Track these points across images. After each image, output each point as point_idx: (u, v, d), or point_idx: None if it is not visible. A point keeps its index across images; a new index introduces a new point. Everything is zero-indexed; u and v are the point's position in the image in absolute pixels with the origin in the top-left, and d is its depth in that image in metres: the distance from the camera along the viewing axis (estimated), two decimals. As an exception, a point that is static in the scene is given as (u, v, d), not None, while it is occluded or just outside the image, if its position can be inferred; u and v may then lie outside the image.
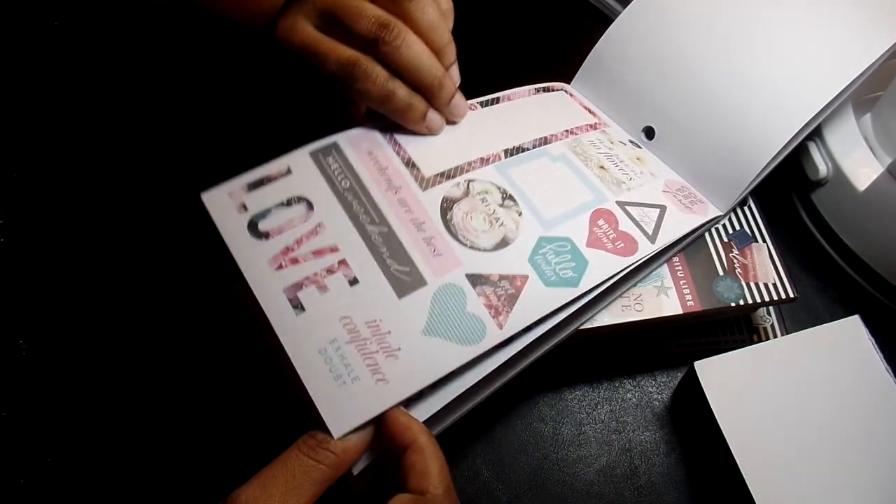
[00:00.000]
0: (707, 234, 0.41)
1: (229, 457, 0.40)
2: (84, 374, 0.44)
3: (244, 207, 0.35)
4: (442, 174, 0.37)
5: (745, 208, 0.42)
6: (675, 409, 0.43)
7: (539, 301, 0.34)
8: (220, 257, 0.37)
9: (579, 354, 0.44)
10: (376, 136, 0.38)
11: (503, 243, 0.35)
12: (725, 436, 0.37)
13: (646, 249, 0.36)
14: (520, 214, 0.36)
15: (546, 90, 0.45)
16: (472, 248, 0.35)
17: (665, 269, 0.40)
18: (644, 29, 0.43)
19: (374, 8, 0.35)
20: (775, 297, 0.39)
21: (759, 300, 0.39)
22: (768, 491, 0.35)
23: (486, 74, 0.42)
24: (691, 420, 0.42)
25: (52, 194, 0.51)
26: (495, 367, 0.34)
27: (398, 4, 0.35)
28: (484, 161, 0.38)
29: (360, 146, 0.38)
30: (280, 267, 0.33)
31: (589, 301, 0.35)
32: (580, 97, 0.45)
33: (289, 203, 0.35)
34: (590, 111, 0.44)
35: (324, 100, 0.43)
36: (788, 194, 0.50)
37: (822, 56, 0.39)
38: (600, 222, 0.37)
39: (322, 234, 0.34)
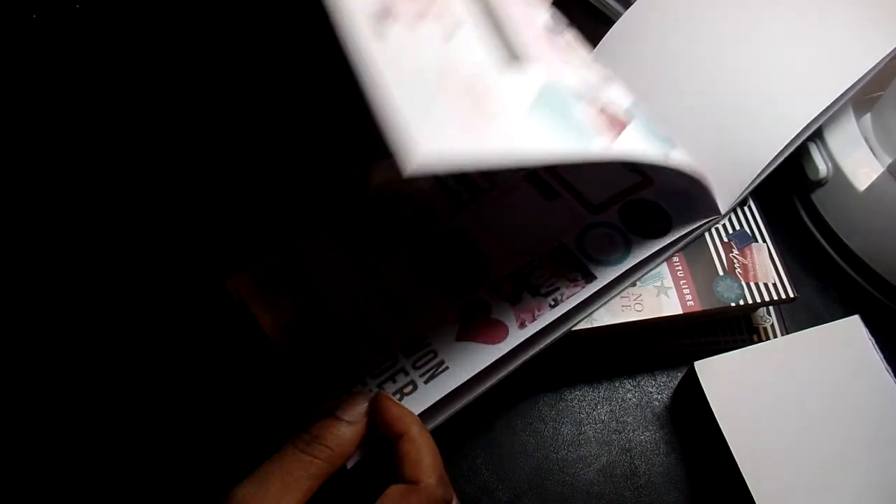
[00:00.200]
0: (707, 234, 0.41)
1: (227, 454, 0.40)
2: (82, 373, 0.44)
3: None
4: None
5: (745, 208, 0.42)
6: (675, 409, 0.43)
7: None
8: (217, 252, 0.37)
9: (579, 354, 0.44)
10: None
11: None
12: (725, 436, 0.37)
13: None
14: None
15: None
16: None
17: (665, 269, 0.40)
18: (643, 32, 0.43)
19: None
20: (775, 297, 0.39)
21: (759, 300, 0.39)
22: (768, 491, 0.35)
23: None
24: (691, 420, 0.42)
25: (51, 193, 0.51)
26: (491, 362, 0.34)
27: None
28: None
29: None
30: None
31: (599, 290, 0.36)
32: None
33: None
34: None
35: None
36: (788, 194, 0.50)
37: (824, 58, 0.39)
38: None
39: None
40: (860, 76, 0.38)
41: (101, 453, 0.42)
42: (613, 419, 0.43)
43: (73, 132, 0.54)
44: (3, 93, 0.53)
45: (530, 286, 0.36)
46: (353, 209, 0.41)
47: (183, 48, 0.57)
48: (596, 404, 0.44)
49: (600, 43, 0.44)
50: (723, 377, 0.38)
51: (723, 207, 0.40)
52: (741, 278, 0.39)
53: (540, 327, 0.35)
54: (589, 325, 0.38)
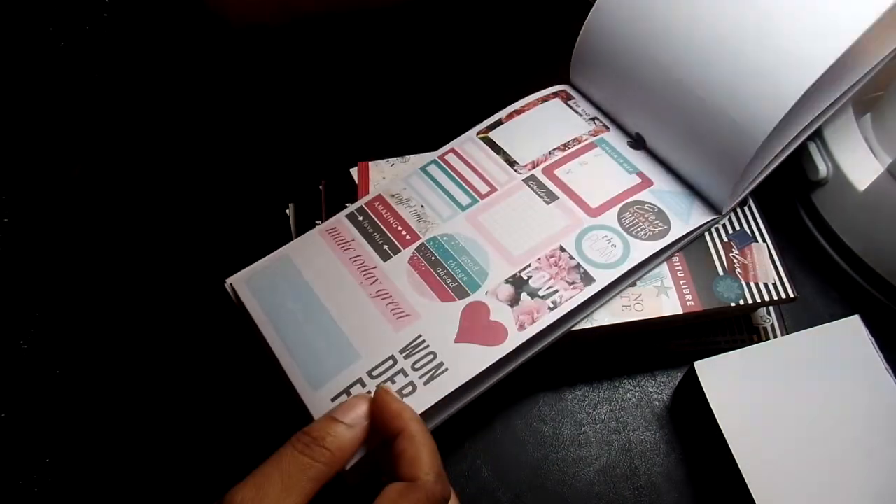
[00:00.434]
0: (707, 234, 0.41)
1: (226, 453, 0.40)
2: (82, 373, 0.44)
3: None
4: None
5: (745, 208, 0.42)
6: (675, 409, 0.43)
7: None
8: (215, 252, 0.37)
9: (579, 354, 0.44)
10: None
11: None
12: (725, 436, 0.37)
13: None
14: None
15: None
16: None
17: (665, 268, 0.40)
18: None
19: None
20: (775, 297, 0.39)
21: (759, 300, 0.39)
22: (768, 491, 0.35)
23: (489, 74, 0.42)
24: (691, 420, 0.42)
25: (51, 193, 0.51)
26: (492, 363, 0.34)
27: None
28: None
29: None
30: None
31: (598, 292, 0.36)
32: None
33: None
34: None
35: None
36: (788, 194, 0.50)
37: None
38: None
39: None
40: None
41: (104, 454, 0.42)
42: (613, 419, 0.43)
43: (72, 130, 0.54)
44: (3, 92, 0.53)
45: (529, 289, 0.36)
46: (350, 210, 0.41)
47: (183, 48, 0.57)
48: (596, 404, 0.44)
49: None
50: (723, 377, 0.38)
51: (722, 207, 0.40)
52: (741, 278, 0.39)
53: (539, 329, 0.35)
54: (589, 325, 0.38)
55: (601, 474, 0.41)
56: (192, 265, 0.48)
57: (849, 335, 0.39)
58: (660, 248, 0.38)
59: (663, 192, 0.40)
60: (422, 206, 0.41)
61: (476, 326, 0.35)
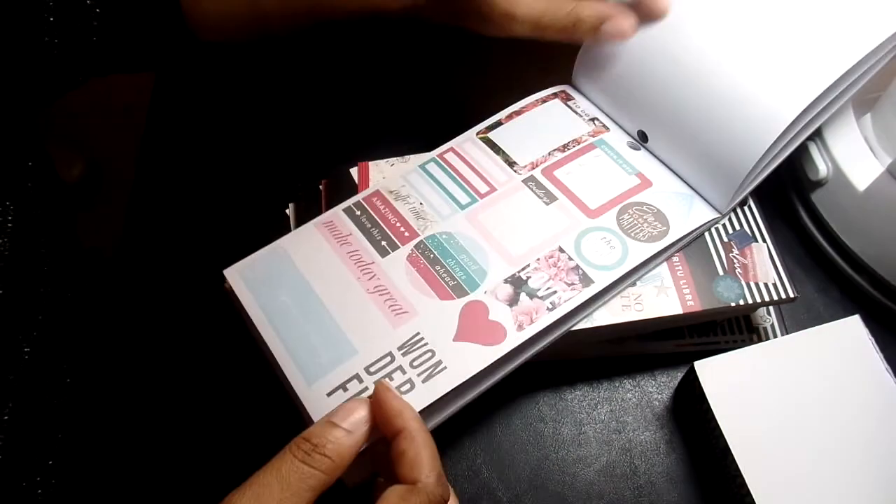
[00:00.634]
0: (707, 234, 0.41)
1: (226, 454, 0.40)
2: (86, 376, 0.44)
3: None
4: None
5: (745, 208, 0.42)
6: (675, 409, 0.43)
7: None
8: (215, 252, 0.37)
9: (579, 354, 0.44)
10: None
11: None
12: (725, 436, 0.37)
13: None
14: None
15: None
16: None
17: (665, 268, 0.40)
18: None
19: None
20: (775, 297, 0.39)
21: (759, 300, 0.39)
22: (768, 491, 0.35)
23: (489, 75, 0.42)
24: (691, 420, 0.42)
25: (53, 194, 0.51)
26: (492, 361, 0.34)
27: None
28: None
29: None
30: None
31: (597, 294, 0.36)
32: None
33: None
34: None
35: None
36: (788, 194, 0.50)
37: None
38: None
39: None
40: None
41: (106, 454, 0.42)
42: (613, 419, 0.43)
43: (73, 130, 0.54)
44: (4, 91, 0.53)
45: (528, 289, 0.36)
46: (348, 204, 0.41)
47: (184, 47, 0.57)
48: (596, 404, 0.44)
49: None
50: (723, 377, 0.38)
51: (721, 208, 0.40)
52: (741, 278, 0.39)
53: (538, 330, 0.35)
54: (589, 325, 0.38)
55: (601, 474, 0.41)
56: (192, 265, 0.48)
57: (849, 335, 0.39)
58: (658, 249, 0.38)
59: (662, 192, 0.40)
60: (420, 204, 0.40)
61: (475, 326, 0.35)
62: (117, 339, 0.46)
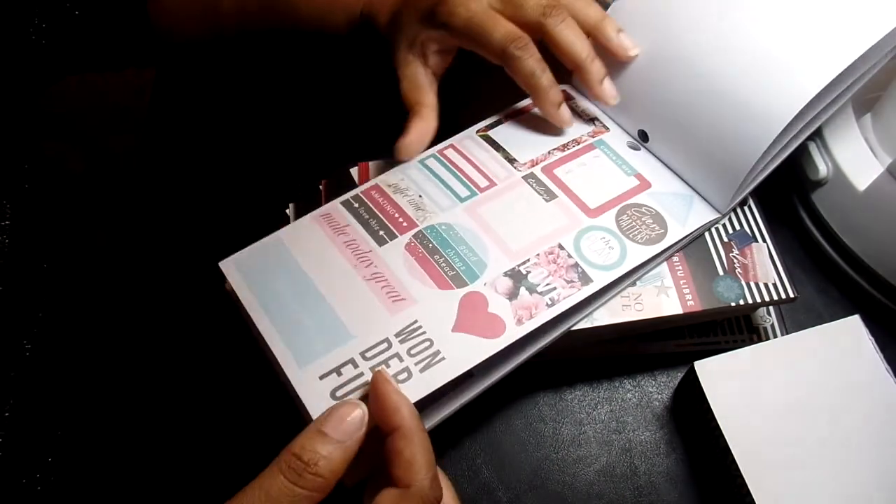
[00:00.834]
0: (707, 234, 0.41)
1: (225, 452, 0.40)
2: (85, 373, 0.44)
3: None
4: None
5: (745, 208, 0.42)
6: (675, 409, 0.43)
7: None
8: (216, 252, 0.37)
9: (579, 354, 0.44)
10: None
11: None
12: (725, 436, 0.37)
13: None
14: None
15: None
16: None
17: (665, 268, 0.40)
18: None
19: None
20: (775, 297, 0.39)
21: (759, 300, 0.39)
22: (768, 491, 0.35)
23: (489, 75, 0.42)
24: (691, 420, 0.42)
25: (54, 194, 0.51)
26: (488, 356, 0.34)
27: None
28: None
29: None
30: None
31: (596, 293, 0.36)
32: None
33: None
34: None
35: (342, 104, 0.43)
36: (788, 194, 0.50)
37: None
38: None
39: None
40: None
41: (106, 454, 0.42)
42: (613, 419, 0.43)
43: (73, 129, 0.54)
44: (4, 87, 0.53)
45: (528, 284, 0.36)
46: (346, 197, 0.41)
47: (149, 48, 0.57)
48: (596, 404, 0.44)
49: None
50: (723, 377, 0.38)
51: (721, 208, 0.40)
52: (741, 278, 0.39)
53: (536, 325, 0.35)
54: (589, 325, 0.38)
55: (601, 474, 0.41)
56: (192, 265, 0.48)
57: (849, 335, 0.39)
58: (656, 252, 0.38)
59: (661, 193, 0.40)
60: (420, 196, 0.40)
61: (474, 317, 0.35)
62: (117, 337, 0.46)
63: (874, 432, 0.37)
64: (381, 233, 0.38)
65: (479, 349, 0.34)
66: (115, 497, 0.41)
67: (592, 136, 0.43)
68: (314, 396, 0.32)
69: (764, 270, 0.40)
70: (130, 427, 0.43)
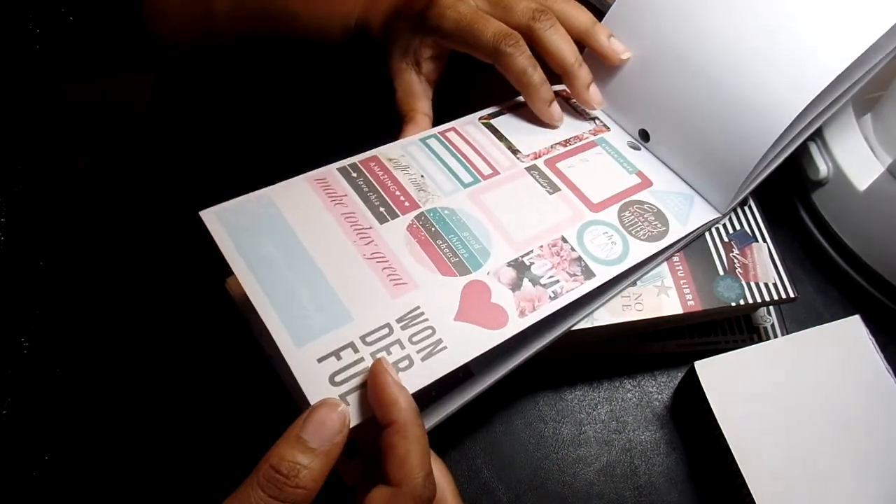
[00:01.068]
0: (707, 234, 0.41)
1: (224, 450, 0.40)
2: (83, 372, 0.44)
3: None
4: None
5: (745, 208, 0.42)
6: (675, 409, 0.43)
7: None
8: (214, 253, 0.37)
9: (579, 354, 0.44)
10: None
11: None
12: (725, 436, 0.37)
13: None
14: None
15: None
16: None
17: (665, 268, 0.40)
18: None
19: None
20: (775, 297, 0.39)
21: (759, 300, 0.39)
22: (768, 491, 0.35)
23: (490, 75, 0.42)
24: (691, 420, 0.42)
25: (53, 192, 0.51)
26: (486, 350, 0.33)
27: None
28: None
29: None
30: None
31: (597, 289, 0.36)
32: None
33: None
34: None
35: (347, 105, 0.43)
36: (788, 194, 0.50)
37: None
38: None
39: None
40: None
41: (105, 453, 0.42)
42: (613, 419, 0.43)
43: (74, 128, 0.54)
44: (4, 91, 0.53)
45: (531, 275, 0.36)
46: (343, 164, 0.39)
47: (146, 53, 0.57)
48: (596, 404, 0.44)
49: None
50: (723, 377, 0.38)
51: (721, 208, 0.40)
52: (741, 278, 0.39)
53: (539, 318, 0.34)
54: (589, 325, 0.38)
55: (601, 474, 0.41)
56: (191, 264, 0.48)
57: (849, 335, 0.39)
58: (658, 249, 0.38)
59: (662, 192, 0.40)
60: (422, 176, 0.39)
61: (477, 306, 0.34)
62: (115, 336, 0.46)
63: (874, 432, 0.37)
64: (382, 209, 0.37)
65: (481, 340, 0.33)
66: (113, 495, 0.41)
67: (594, 134, 0.43)
68: (313, 381, 0.30)
69: (764, 270, 0.40)
70: (128, 425, 0.43)
